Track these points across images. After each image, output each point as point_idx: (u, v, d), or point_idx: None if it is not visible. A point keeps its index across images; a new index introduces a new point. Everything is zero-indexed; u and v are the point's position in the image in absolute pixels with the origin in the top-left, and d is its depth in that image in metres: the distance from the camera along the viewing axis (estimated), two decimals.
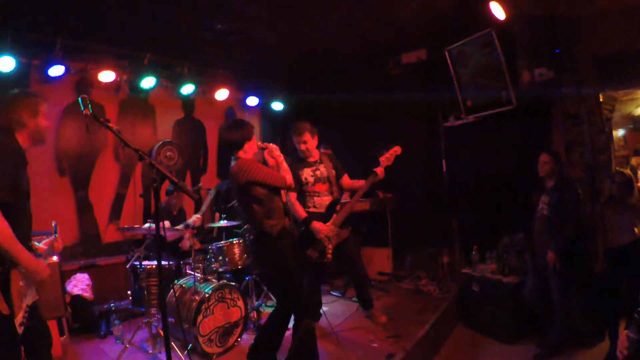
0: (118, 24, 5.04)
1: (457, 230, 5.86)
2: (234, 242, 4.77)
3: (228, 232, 5.20)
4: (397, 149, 4.37)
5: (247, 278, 4.95)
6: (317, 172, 4.38)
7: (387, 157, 4.33)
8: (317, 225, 4.15)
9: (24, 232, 2.49)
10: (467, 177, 5.85)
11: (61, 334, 4.32)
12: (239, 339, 4.27)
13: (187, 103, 6.98)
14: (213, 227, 5.66)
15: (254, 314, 4.61)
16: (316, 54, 6.42)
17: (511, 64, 5.03)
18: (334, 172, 4.49)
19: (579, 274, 4.19)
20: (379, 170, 4.26)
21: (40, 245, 2.84)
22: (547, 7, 4.79)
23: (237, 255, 4.73)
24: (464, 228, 5.84)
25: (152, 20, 4.98)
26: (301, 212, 4.22)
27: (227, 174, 7.19)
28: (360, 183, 4.43)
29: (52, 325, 4.23)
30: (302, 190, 4.35)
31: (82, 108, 2.51)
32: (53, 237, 2.90)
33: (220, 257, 4.68)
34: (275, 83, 7.61)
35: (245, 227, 4.96)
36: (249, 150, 3.57)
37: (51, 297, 4.07)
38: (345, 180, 4.58)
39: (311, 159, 4.42)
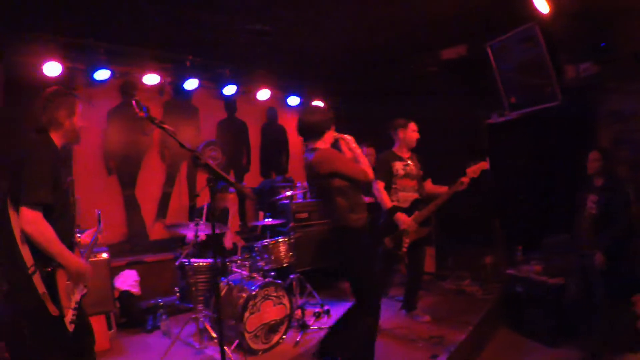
0: (160, 28, 5.18)
1: (500, 230, 5.75)
2: (280, 240, 4.84)
3: (272, 230, 5.27)
4: (484, 164, 4.40)
5: (291, 276, 5.01)
6: (407, 168, 4.46)
7: (474, 169, 4.38)
8: (401, 216, 4.19)
9: (66, 230, 2.51)
10: (511, 176, 5.74)
11: (109, 328, 4.49)
12: (283, 337, 4.32)
13: (230, 103, 7.12)
14: (257, 226, 5.74)
15: (298, 312, 4.67)
16: (355, 53, 6.41)
17: (555, 59, 4.91)
18: (421, 172, 4.59)
19: (625, 276, 4.04)
20: (465, 180, 4.32)
21: (82, 236, 2.88)
22: (591, 0, 4.65)
23: (282, 254, 4.80)
24: (508, 228, 5.73)
25: (193, 24, 5.10)
26: (387, 202, 4.23)
27: (270, 173, 7.39)
28: (442, 189, 4.53)
29: (101, 319, 4.42)
30: (389, 182, 4.39)
31: (138, 111, 2.56)
32: (98, 227, 2.95)
33: (266, 255, 4.75)
34: (315, 82, 7.65)
35: (290, 225, 5.01)
36: (327, 140, 3.42)
37: (100, 292, 4.25)
38: (428, 183, 4.69)
39: (403, 154, 4.52)
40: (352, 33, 5.65)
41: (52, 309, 2.27)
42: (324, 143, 3.38)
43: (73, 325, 2.40)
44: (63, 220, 2.47)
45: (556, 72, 4.91)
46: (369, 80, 7.30)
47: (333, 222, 3.36)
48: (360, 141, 4.63)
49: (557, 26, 4.84)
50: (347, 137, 3.45)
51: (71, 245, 2.53)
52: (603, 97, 4.92)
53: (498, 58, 5.43)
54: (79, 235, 2.83)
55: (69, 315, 2.37)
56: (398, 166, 4.41)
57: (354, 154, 3.41)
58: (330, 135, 3.42)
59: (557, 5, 4.57)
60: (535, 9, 4.58)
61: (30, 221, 2.25)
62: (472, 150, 6.03)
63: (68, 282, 2.39)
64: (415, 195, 4.45)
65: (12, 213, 2.32)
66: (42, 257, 2.29)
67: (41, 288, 2.25)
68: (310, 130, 3.39)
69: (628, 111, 4.75)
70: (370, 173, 3.31)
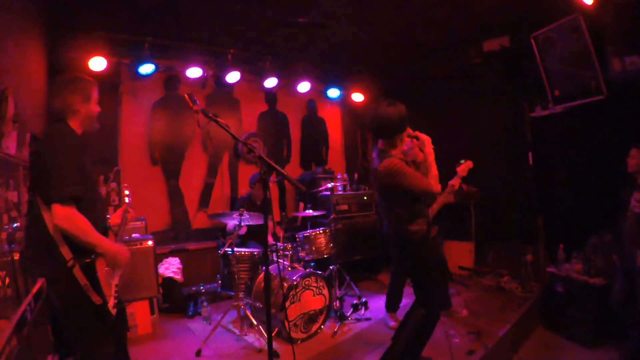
0: (202, 22, 5.28)
1: (542, 227, 5.64)
2: (320, 231, 4.91)
3: (313, 222, 5.34)
4: (470, 163, 4.28)
5: (331, 267, 5.08)
6: None
7: (463, 168, 4.22)
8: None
9: (98, 216, 2.50)
10: (554, 171, 5.60)
11: (152, 312, 4.66)
12: (322, 327, 4.42)
13: (270, 96, 7.22)
14: (297, 217, 5.82)
15: (337, 303, 4.75)
16: (396, 45, 6.39)
17: (600, 52, 4.76)
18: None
19: None
20: (456, 182, 4.21)
21: (112, 217, 2.88)
22: None
23: (323, 245, 4.88)
24: (550, 225, 5.60)
25: (234, 17, 5.16)
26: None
27: (309, 165, 7.47)
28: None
29: (144, 304, 4.60)
30: None
31: (191, 105, 2.60)
32: (127, 203, 2.95)
33: (307, 246, 4.85)
34: (355, 75, 7.65)
35: (331, 217, 5.07)
36: (400, 142, 3.25)
37: (145, 278, 4.42)
38: None
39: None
40: (393, 24, 5.62)
41: (96, 299, 2.31)
42: (394, 146, 3.24)
43: (115, 310, 2.45)
44: (93, 208, 2.44)
45: (602, 65, 4.76)
46: (410, 72, 7.26)
47: (394, 230, 3.33)
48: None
49: (603, 18, 4.69)
50: (424, 137, 3.25)
51: (104, 230, 2.55)
52: None
53: (542, 50, 5.29)
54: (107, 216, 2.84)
55: (111, 301, 2.42)
56: None
57: (425, 159, 3.23)
58: (404, 136, 3.25)
59: None
60: (580, 0, 4.46)
61: (64, 217, 2.22)
62: (515, 144, 5.95)
63: (107, 268, 2.42)
64: None
65: (43, 210, 2.30)
66: (80, 249, 2.30)
67: (82, 280, 2.28)
68: (383, 128, 3.19)
69: None
70: (436, 186, 3.17)
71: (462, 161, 4.27)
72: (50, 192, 2.22)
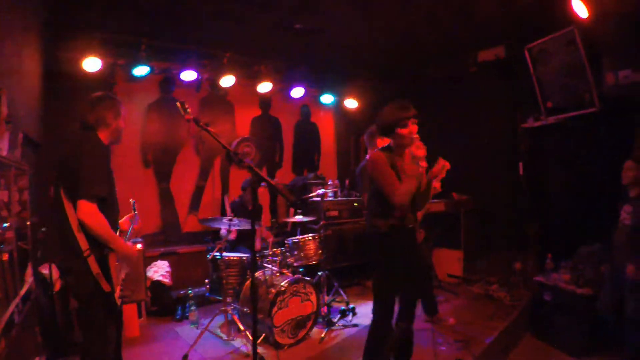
0: (198, 25, 5.30)
1: (533, 237, 5.66)
2: (310, 237, 4.91)
3: (303, 227, 5.34)
4: (446, 164, 4.26)
5: (319, 273, 5.08)
6: None
7: (438, 169, 4.22)
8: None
9: (114, 219, 2.79)
10: (545, 181, 5.64)
11: (139, 316, 4.64)
12: (309, 332, 4.41)
13: (264, 100, 7.24)
14: (287, 222, 5.82)
15: (324, 309, 4.75)
16: (394, 52, 6.42)
17: (595, 65, 4.80)
18: None
19: None
20: (438, 185, 4.20)
21: (121, 221, 3.08)
22: (633, 5, 4.52)
23: (312, 251, 4.88)
24: (540, 234, 5.63)
25: (230, 21, 5.18)
26: None
27: (301, 170, 7.48)
28: None
29: (132, 307, 4.58)
30: None
31: (183, 114, 2.74)
32: (134, 213, 3.24)
33: (296, 252, 4.85)
34: (350, 81, 7.68)
35: (321, 223, 5.07)
36: (399, 140, 3.18)
37: (133, 281, 4.39)
38: None
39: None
40: (389, 31, 5.66)
41: (105, 286, 2.60)
42: (391, 143, 3.24)
43: (120, 301, 2.76)
44: (111, 210, 2.73)
45: (595, 79, 4.80)
46: (405, 79, 7.28)
47: (366, 223, 3.36)
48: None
49: (598, 31, 4.73)
50: (416, 149, 3.02)
51: (116, 231, 2.80)
52: None
53: (536, 61, 5.34)
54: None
55: (118, 291, 2.72)
56: None
57: (412, 164, 3.07)
58: (402, 135, 3.15)
59: (597, 10, 4.47)
60: (575, 13, 4.50)
61: (88, 213, 2.50)
62: (506, 153, 5.98)
63: (117, 262, 2.72)
64: None
65: (67, 204, 2.58)
66: (96, 242, 2.58)
67: (95, 269, 2.56)
68: (379, 124, 3.28)
69: None
70: (400, 198, 3.01)
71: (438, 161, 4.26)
72: (80, 190, 2.51)
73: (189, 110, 2.76)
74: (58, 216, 2.63)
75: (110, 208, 2.71)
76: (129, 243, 2.86)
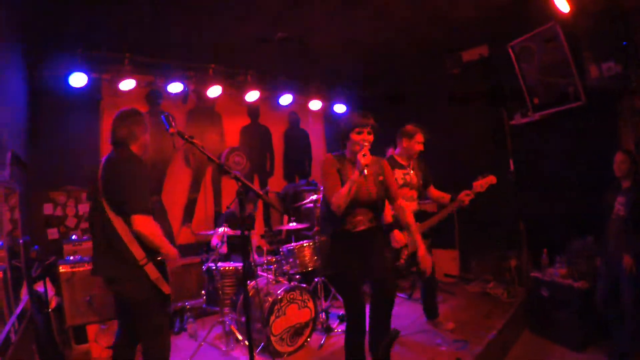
0: (182, 37, 5.29)
1: (525, 233, 5.69)
2: (305, 244, 4.89)
3: (297, 234, 5.32)
4: (493, 179, 4.27)
5: (316, 279, 5.06)
6: (407, 177, 4.36)
7: (481, 184, 4.23)
8: (396, 235, 4.06)
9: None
10: (535, 177, 5.67)
11: None
12: (308, 339, 4.38)
13: (252, 109, 7.24)
14: (281, 230, 5.80)
15: (322, 315, 4.72)
16: (376, 57, 6.45)
17: (577, 59, 4.85)
18: (422, 181, 4.48)
19: None
20: (467, 197, 4.21)
21: None
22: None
23: (307, 258, 4.85)
24: (532, 230, 5.65)
25: (214, 33, 5.20)
26: (388, 216, 4.02)
27: (293, 177, 7.48)
28: (445, 199, 4.43)
29: None
30: None
31: (167, 127, 2.81)
32: None
33: (291, 259, 4.82)
34: (337, 87, 7.71)
35: (315, 229, 5.07)
36: (351, 146, 3.29)
37: None
38: (432, 190, 4.57)
39: (404, 162, 4.42)
40: (373, 36, 5.68)
41: (166, 289, 2.81)
42: (344, 148, 3.42)
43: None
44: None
45: (579, 72, 4.85)
46: (391, 83, 7.32)
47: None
48: (385, 144, 4.69)
49: (579, 25, 4.77)
50: (362, 157, 3.06)
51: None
52: (626, 96, 4.83)
53: (520, 58, 5.39)
54: None
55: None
56: (397, 175, 4.26)
57: (355, 170, 3.13)
58: (352, 141, 3.26)
59: (578, 4, 4.53)
60: (556, 9, 4.54)
61: (145, 225, 2.68)
62: (496, 151, 6.01)
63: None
64: (415, 206, 4.35)
65: (115, 218, 2.72)
66: (150, 250, 2.76)
67: (154, 274, 2.74)
68: (340, 129, 3.42)
69: None
70: (336, 201, 3.11)
71: (484, 175, 4.26)
72: (134, 205, 2.68)
73: (173, 123, 2.82)
74: (105, 230, 2.76)
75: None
76: (175, 249, 2.99)
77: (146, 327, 2.84)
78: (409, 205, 4.20)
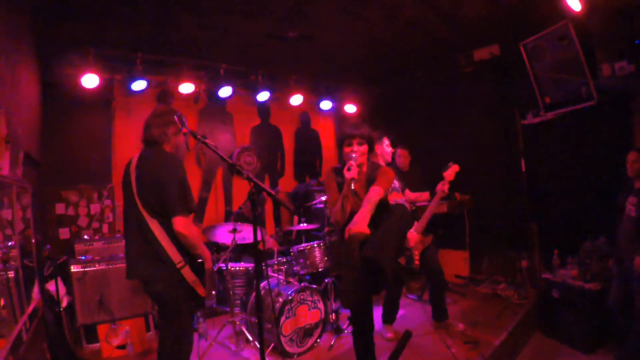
0: (193, 37, 5.32)
1: (536, 234, 5.64)
2: (315, 245, 4.89)
3: (307, 235, 5.32)
4: (456, 167, 4.32)
5: (326, 280, 5.05)
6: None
7: (449, 173, 4.28)
8: (411, 236, 4.08)
9: None
10: (547, 178, 5.64)
11: (147, 329, 4.62)
12: (318, 340, 4.39)
13: (263, 109, 7.27)
14: (292, 230, 5.80)
15: (332, 316, 4.73)
16: (387, 56, 6.43)
17: (590, 58, 4.80)
18: (404, 183, 4.59)
19: None
20: (444, 187, 4.25)
21: None
22: None
23: (317, 258, 4.84)
24: (544, 231, 5.61)
25: (225, 32, 5.21)
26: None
27: (304, 177, 7.48)
28: (424, 195, 4.52)
29: (139, 321, 4.56)
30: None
31: (180, 127, 2.83)
32: None
33: (302, 260, 4.82)
34: (348, 86, 7.70)
35: (325, 229, 5.07)
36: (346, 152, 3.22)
37: (139, 295, 4.41)
38: (408, 193, 4.65)
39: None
40: (384, 35, 5.67)
41: (201, 291, 2.84)
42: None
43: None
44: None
45: (591, 72, 4.80)
46: (402, 82, 7.29)
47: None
48: (395, 143, 4.70)
49: (592, 24, 4.73)
50: (346, 171, 3.04)
51: None
52: (639, 96, 4.79)
53: (532, 57, 5.34)
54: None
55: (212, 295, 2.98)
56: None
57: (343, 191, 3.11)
58: (344, 153, 3.24)
59: (590, 3, 4.47)
60: (568, 7, 4.50)
61: (186, 226, 2.69)
62: (507, 151, 5.97)
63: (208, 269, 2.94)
64: (408, 207, 4.42)
65: (151, 220, 2.73)
66: (187, 253, 2.79)
67: (191, 277, 2.76)
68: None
69: None
70: (334, 215, 3.15)
71: (449, 165, 4.33)
72: (175, 207, 2.68)
73: (186, 123, 2.84)
74: (139, 232, 2.76)
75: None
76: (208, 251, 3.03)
77: (174, 328, 2.85)
78: None
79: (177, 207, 2.68)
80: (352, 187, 2.99)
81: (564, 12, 4.64)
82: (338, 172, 3.27)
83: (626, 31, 4.56)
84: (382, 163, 4.37)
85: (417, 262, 4.13)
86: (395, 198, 4.35)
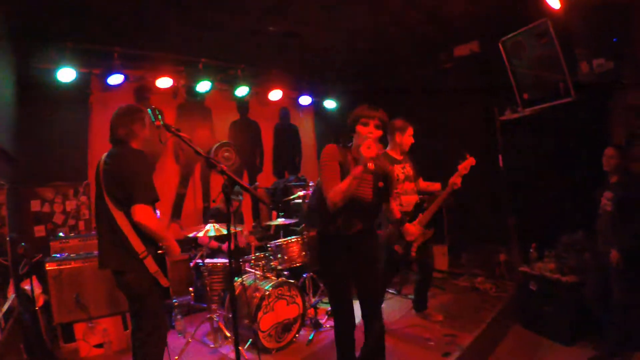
0: (172, 31, 5.26)
1: (514, 228, 5.71)
2: (293, 240, 4.87)
3: (285, 230, 5.30)
4: (473, 160, 4.24)
5: (304, 275, 5.04)
6: (405, 171, 4.38)
7: (465, 166, 4.19)
8: (409, 228, 3.88)
9: None
10: (524, 173, 5.68)
11: (125, 327, 4.56)
12: (296, 335, 4.37)
13: (242, 104, 7.20)
14: (270, 225, 5.78)
15: (311, 311, 4.72)
16: (367, 51, 6.43)
17: (568, 55, 4.85)
18: (414, 172, 4.50)
19: None
20: (457, 180, 4.15)
21: None
22: None
23: (295, 253, 4.83)
24: (521, 225, 5.68)
25: (205, 26, 5.16)
26: (397, 212, 3.84)
27: (283, 173, 7.45)
28: (435, 186, 4.48)
29: (117, 320, 4.51)
30: None
31: (153, 119, 2.79)
32: None
33: (279, 255, 4.79)
34: (327, 81, 7.69)
35: (302, 225, 5.05)
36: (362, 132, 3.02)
37: (115, 293, 4.35)
38: (421, 182, 4.59)
39: (399, 157, 4.42)
40: (364, 32, 5.68)
41: (164, 282, 2.93)
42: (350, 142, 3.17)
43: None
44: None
45: (570, 69, 4.86)
46: (382, 79, 7.30)
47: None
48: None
49: (570, 22, 4.80)
50: (366, 149, 2.78)
51: None
52: (617, 93, 4.85)
53: (510, 54, 5.39)
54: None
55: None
56: (397, 170, 4.28)
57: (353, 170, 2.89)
58: (358, 134, 3.04)
59: (570, 1, 4.53)
60: (547, 5, 4.54)
61: (145, 215, 2.77)
62: (486, 147, 6.01)
63: (168, 258, 3.07)
64: (416, 198, 4.37)
65: (117, 213, 2.84)
66: (151, 243, 2.90)
67: (153, 268, 2.85)
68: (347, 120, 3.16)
69: None
70: (334, 197, 2.88)
71: (466, 157, 4.25)
72: (136, 196, 2.77)
73: (160, 116, 2.79)
74: (108, 225, 2.88)
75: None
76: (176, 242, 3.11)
77: (145, 319, 2.93)
78: (412, 198, 4.31)
79: (137, 196, 2.78)
80: (371, 167, 2.77)
81: (544, 10, 4.69)
82: (342, 151, 3.09)
83: (604, 29, 4.63)
84: (398, 153, 4.41)
85: (413, 254, 4.09)
86: (405, 188, 4.33)
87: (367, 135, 2.94)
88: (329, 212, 2.99)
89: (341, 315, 3.27)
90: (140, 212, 2.76)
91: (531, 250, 5.05)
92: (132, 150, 2.99)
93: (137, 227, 2.82)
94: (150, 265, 2.85)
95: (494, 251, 5.80)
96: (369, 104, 3.13)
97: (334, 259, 3.19)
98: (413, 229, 3.88)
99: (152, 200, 2.88)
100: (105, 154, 3.06)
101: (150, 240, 2.89)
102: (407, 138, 4.40)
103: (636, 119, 4.73)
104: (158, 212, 3.31)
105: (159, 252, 2.97)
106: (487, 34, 5.73)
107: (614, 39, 4.67)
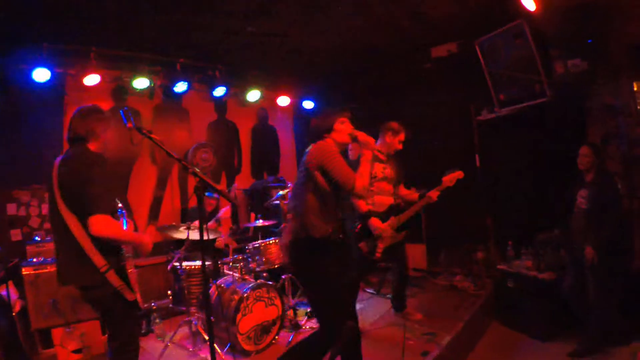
0: (150, 31, 5.18)
1: (492, 226, 5.78)
2: (271, 241, 4.84)
3: (264, 232, 5.28)
4: (460, 174, 4.27)
5: (283, 277, 5.02)
6: (386, 171, 4.35)
7: (450, 178, 4.23)
8: (375, 222, 3.98)
9: None
10: (501, 172, 5.76)
11: (103, 332, 4.50)
12: (276, 337, 4.35)
13: (220, 105, 7.14)
14: (249, 227, 5.74)
15: (290, 313, 4.70)
16: (346, 52, 6.43)
17: (544, 56, 4.93)
18: (397, 176, 4.47)
19: (617, 270, 4.01)
20: (434, 195, 4.23)
21: None
22: None
23: (274, 255, 4.79)
24: (499, 224, 5.76)
25: (183, 26, 5.09)
26: (363, 205, 3.96)
27: (261, 174, 7.42)
28: (413, 196, 4.43)
29: (95, 324, 4.43)
30: None
31: (125, 122, 2.69)
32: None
33: (257, 257, 4.75)
34: (306, 82, 7.67)
35: (281, 226, 5.03)
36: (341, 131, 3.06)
37: None
38: (401, 188, 4.56)
39: (383, 157, 4.40)
40: (343, 33, 5.67)
41: (130, 296, 2.69)
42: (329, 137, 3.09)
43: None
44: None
45: (545, 69, 4.93)
46: (360, 80, 7.31)
47: (296, 223, 3.01)
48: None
49: (546, 23, 4.87)
50: (367, 137, 3.01)
51: None
52: (592, 92, 4.94)
53: (487, 55, 5.44)
54: None
55: (138, 296, 2.78)
56: (377, 168, 4.26)
57: (361, 159, 3.03)
58: (339, 132, 3.07)
59: (545, 2, 4.59)
60: (523, 7, 4.60)
61: (103, 225, 2.54)
62: (463, 147, 6.07)
63: (130, 270, 2.76)
64: (391, 200, 4.36)
65: (73, 224, 2.60)
66: (112, 255, 2.67)
67: (117, 282, 2.63)
68: (311, 133, 3.15)
69: (617, 106, 4.77)
70: (360, 183, 2.89)
71: (452, 170, 4.27)
72: (90, 207, 2.54)
73: (132, 118, 2.70)
74: (65, 236, 2.64)
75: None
76: (145, 235, 3.09)
77: (116, 334, 2.79)
78: (386, 200, 4.29)
79: (92, 207, 2.55)
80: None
81: (520, 12, 4.74)
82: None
83: (580, 30, 4.71)
84: (384, 154, 4.39)
85: (378, 254, 4.10)
86: (382, 187, 4.29)
87: (352, 131, 3.06)
88: (330, 213, 2.99)
89: (338, 334, 2.92)
90: (97, 224, 2.53)
91: (508, 248, 5.12)
92: (90, 153, 2.76)
93: (95, 239, 2.58)
94: (113, 279, 2.62)
95: (472, 250, 5.84)
96: (334, 106, 3.27)
97: (336, 266, 3.00)
98: (378, 223, 3.92)
99: (111, 211, 2.68)
100: (60, 157, 2.82)
101: (111, 251, 2.66)
102: (396, 141, 4.39)
103: (611, 119, 4.82)
104: (125, 218, 3.17)
105: (121, 263, 2.70)
106: (464, 35, 5.78)
107: (589, 40, 4.76)
